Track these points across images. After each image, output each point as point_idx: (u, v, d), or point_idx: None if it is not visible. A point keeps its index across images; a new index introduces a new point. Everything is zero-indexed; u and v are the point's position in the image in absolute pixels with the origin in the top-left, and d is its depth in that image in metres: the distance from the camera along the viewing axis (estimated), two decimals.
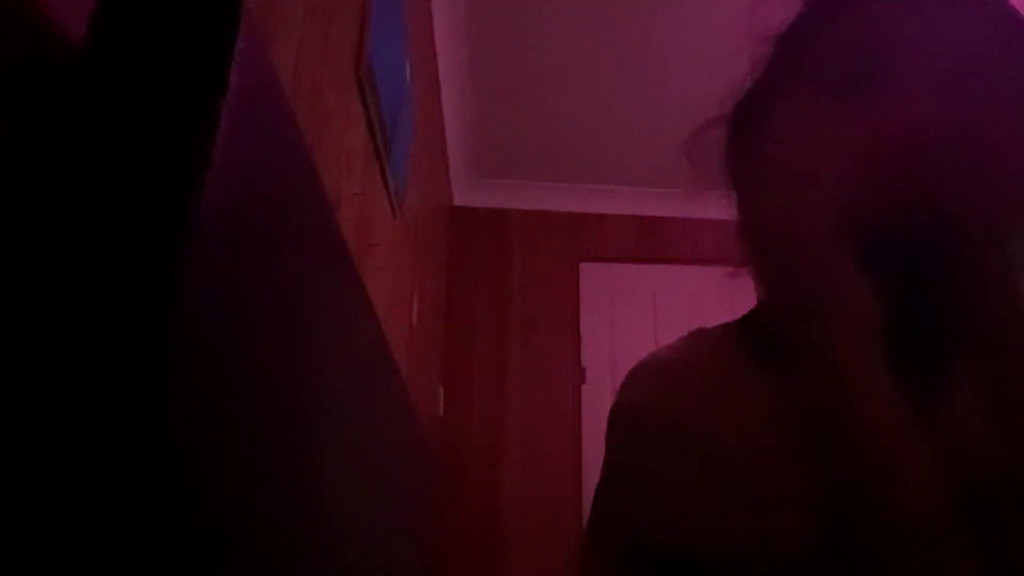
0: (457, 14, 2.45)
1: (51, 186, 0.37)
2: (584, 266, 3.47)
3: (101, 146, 0.38)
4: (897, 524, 0.35)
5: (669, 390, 0.50)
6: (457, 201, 3.49)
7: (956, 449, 0.40)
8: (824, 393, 0.38)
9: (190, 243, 0.36)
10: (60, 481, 0.32)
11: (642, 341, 3.18)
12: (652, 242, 3.46)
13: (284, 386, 0.53)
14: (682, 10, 2.41)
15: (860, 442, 0.37)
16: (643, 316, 3.34)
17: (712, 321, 0.60)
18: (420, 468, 1.40)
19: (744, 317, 0.56)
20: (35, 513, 0.32)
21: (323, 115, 1.06)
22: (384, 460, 0.96)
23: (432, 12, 2.28)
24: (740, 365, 0.50)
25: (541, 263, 3.45)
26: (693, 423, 0.47)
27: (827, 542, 0.37)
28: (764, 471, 0.43)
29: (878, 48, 0.46)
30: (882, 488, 0.36)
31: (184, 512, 0.37)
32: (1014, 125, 0.43)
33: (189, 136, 0.38)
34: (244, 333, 0.45)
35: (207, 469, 0.40)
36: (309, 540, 0.58)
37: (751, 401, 0.46)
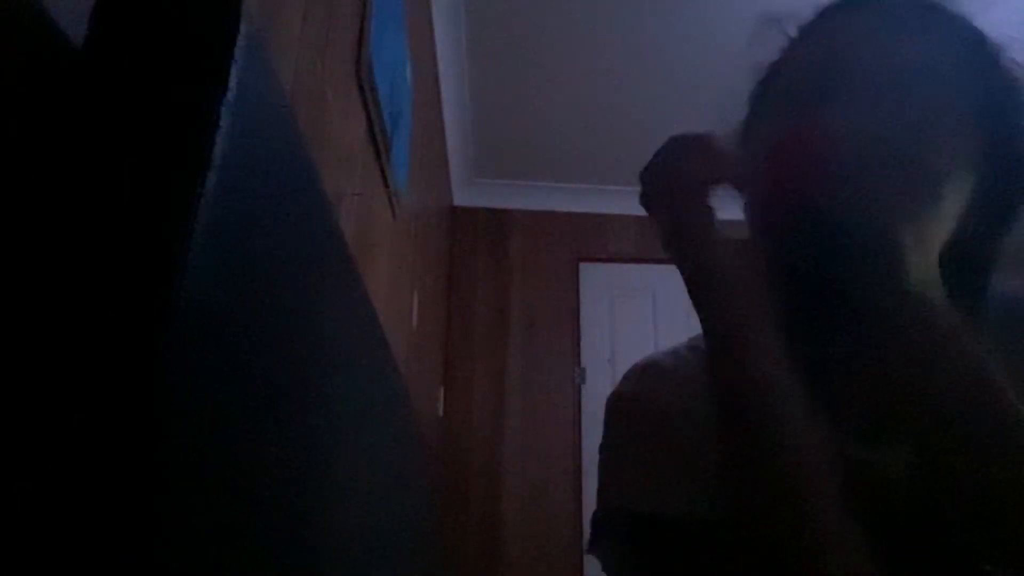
0: (457, 14, 2.45)
1: (52, 186, 0.37)
2: (584, 266, 3.47)
3: (101, 146, 0.38)
4: (774, 501, 0.40)
5: (651, 385, 0.59)
6: (457, 201, 3.49)
7: (838, 429, 0.45)
8: (720, 371, 0.45)
9: (190, 243, 0.36)
10: (57, 485, 0.32)
11: (642, 341, 3.18)
12: (652, 242, 3.41)
13: (284, 386, 0.53)
14: (682, 11, 2.42)
15: (744, 418, 0.43)
16: (643, 316, 3.34)
17: None
18: (420, 468, 1.40)
19: None
20: (34, 510, 0.32)
21: (323, 115, 1.06)
22: (384, 460, 0.96)
23: (432, 12, 2.28)
24: None
25: (541, 263, 3.45)
26: (663, 411, 0.55)
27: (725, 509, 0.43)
28: (701, 449, 0.48)
29: (829, 71, 0.52)
30: (764, 465, 0.41)
31: (187, 517, 0.37)
32: (921, 140, 0.48)
33: (189, 136, 0.38)
34: (244, 333, 0.45)
35: (206, 469, 0.40)
36: (310, 540, 0.58)
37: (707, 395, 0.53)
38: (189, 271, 0.36)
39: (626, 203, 3.44)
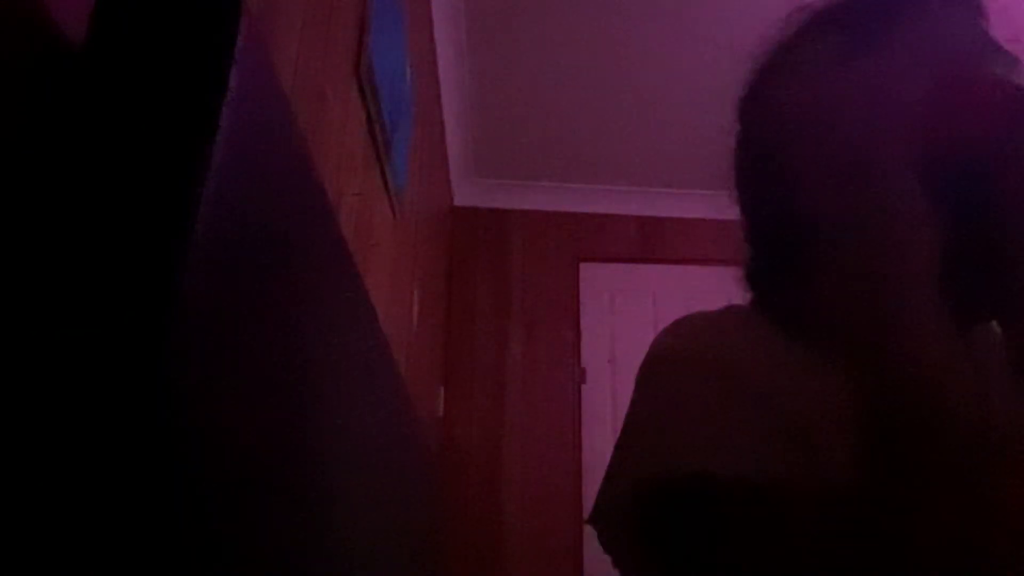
0: (457, 14, 2.45)
1: (52, 186, 0.37)
2: (584, 266, 3.47)
3: (101, 146, 0.38)
4: (945, 437, 0.37)
5: (708, 340, 0.55)
6: (457, 201, 3.48)
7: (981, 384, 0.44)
8: (878, 309, 0.41)
9: (190, 243, 0.36)
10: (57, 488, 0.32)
11: (642, 341, 3.15)
12: (652, 242, 3.45)
13: (284, 386, 0.53)
14: (682, 11, 2.41)
15: (911, 362, 0.39)
16: (643, 316, 3.33)
17: None
18: (420, 468, 1.40)
19: (752, 302, 0.60)
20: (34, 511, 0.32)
21: (323, 115, 1.06)
22: (384, 460, 0.96)
23: (432, 12, 2.28)
24: (767, 328, 0.54)
25: (541, 263, 3.45)
26: (732, 367, 0.51)
27: (867, 467, 0.40)
28: (801, 409, 0.47)
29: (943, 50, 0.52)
30: (930, 405, 0.38)
31: (186, 515, 0.37)
32: None
33: (189, 136, 0.38)
34: (244, 334, 0.45)
35: (204, 470, 0.40)
36: (309, 541, 0.58)
37: (780, 354, 0.51)
38: (188, 271, 0.36)
39: (626, 203, 3.45)
